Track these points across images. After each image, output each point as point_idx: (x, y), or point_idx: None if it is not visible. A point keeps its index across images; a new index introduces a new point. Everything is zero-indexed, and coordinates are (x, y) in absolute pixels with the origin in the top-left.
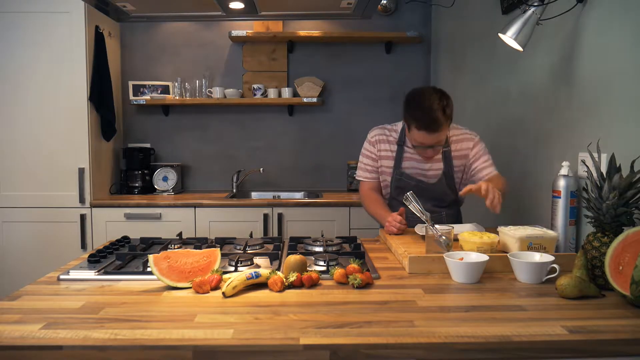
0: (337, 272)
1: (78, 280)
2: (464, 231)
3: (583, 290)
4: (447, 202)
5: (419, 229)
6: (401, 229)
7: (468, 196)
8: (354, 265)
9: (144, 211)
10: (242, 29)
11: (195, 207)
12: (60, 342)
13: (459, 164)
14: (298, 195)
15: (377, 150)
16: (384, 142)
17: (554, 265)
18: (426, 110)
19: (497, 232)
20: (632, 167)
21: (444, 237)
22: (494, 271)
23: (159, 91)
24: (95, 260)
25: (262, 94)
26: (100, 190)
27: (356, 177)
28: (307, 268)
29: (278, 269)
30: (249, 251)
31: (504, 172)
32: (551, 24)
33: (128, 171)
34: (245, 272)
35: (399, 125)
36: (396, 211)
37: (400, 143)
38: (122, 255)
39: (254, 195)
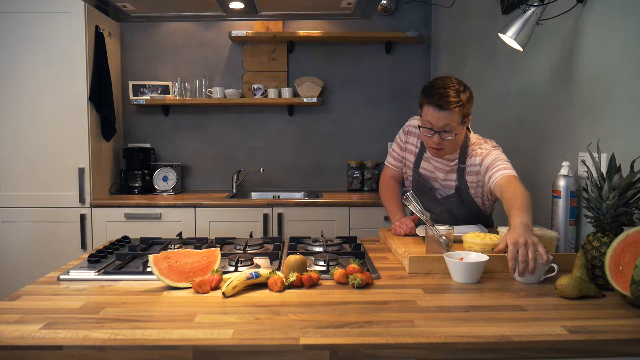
0: (337, 272)
1: (78, 280)
2: (467, 232)
3: (583, 290)
4: (466, 221)
5: (420, 231)
6: (409, 233)
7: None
8: (354, 265)
9: (144, 211)
10: (242, 29)
11: (195, 207)
12: (60, 342)
13: (471, 180)
14: (298, 195)
15: (404, 142)
16: (413, 135)
17: (552, 265)
18: (439, 86)
19: (497, 233)
20: (632, 167)
21: (443, 237)
22: (494, 271)
23: (159, 91)
24: (95, 260)
25: (262, 94)
26: (100, 190)
27: (385, 163)
28: (307, 268)
29: (278, 269)
30: (249, 251)
31: None
32: (551, 24)
33: (128, 171)
34: (245, 272)
35: None
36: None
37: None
38: (122, 255)
39: (254, 195)
